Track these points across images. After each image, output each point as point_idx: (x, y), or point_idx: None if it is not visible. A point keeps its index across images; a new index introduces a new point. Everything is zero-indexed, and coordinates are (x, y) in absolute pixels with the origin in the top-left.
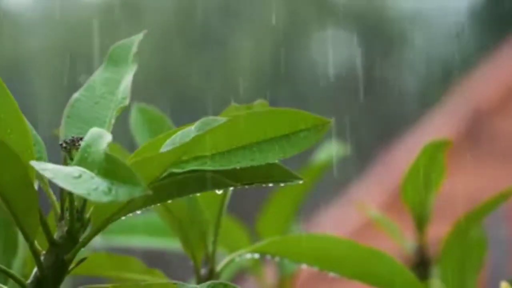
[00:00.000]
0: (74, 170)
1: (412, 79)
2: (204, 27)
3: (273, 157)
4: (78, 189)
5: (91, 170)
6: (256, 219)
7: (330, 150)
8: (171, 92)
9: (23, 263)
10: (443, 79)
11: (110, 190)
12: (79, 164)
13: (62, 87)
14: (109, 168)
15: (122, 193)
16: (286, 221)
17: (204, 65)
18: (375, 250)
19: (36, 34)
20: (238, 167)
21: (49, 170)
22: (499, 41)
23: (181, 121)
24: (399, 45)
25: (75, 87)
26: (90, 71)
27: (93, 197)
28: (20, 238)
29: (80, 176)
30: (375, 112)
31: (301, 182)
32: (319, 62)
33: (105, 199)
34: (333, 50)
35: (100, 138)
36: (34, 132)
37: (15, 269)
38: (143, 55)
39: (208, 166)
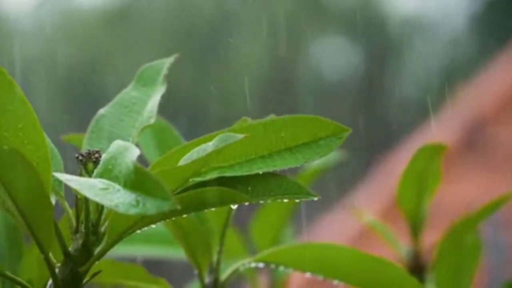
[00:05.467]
0: (99, 182)
1: (411, 86)
2: (202, 33)
3: (295, 163)
4: (105, 200)
5: (117, 182)
6: (250, 225)
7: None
8: (171, 100)
9: (28, 268)
10: (442, 87)
11: (138, 202)
12: (102, 176)
13: (61, 95)
14: (136, 181)
15: (151, 206)
16: (279, 226)
17: (203, 72)
18: (379, 258)
19: (35, 42)
20: (256, 176)
21: (74, 181)
22: (498, 50)
23: (182, 131)
24: (398, 52)
25: (74, 95)
26: (89, 79)
27: (121, 209)
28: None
29: (107, 188)
30: (373, 119)
31: (315, 199)
32: (318, 69)
33: (133, 211)
34: (332, 57)
35: (126, 151)
36: (52, 145)
37: (20, 275)
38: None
39: (229, 174)
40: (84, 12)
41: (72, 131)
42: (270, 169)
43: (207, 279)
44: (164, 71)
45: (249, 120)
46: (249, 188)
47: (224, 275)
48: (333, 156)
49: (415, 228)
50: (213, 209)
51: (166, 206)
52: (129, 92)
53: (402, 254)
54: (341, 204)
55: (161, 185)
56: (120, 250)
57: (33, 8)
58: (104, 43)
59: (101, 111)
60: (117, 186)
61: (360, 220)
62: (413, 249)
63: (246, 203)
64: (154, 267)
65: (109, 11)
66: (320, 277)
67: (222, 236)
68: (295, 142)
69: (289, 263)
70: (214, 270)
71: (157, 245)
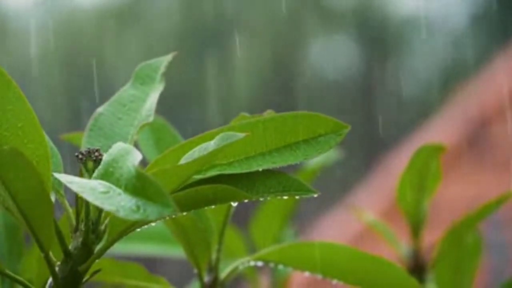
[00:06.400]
0: (99, 184)
1: (411, 86)
2: (203, 32)
3: (295, 160)
4: (106, 204)
5: (118, 185)
6: (250, 223)
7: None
8: (170, 97)
9: (28, 267)
10: (443, 86)
11: (138, 208)
12: (103, 178)
13: (60, 94)
14: (138, 186)
15: (151, 212)
16: (279, 225)
17: (204, 71)
18: (379, 257)
19: (34, 40)
20: (259, 170)
21: (75, 183)
22: (498, 50)
23: (182, 128)
24: (399, 52)
25: (73, 94)
26: (88, 79)
27: (121, 214)
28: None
29: (107, 192)
30: (374, 119)
31: (315, 195)
32: (319, 67)
33: (134, 216)
34: (332, 56)
35: (127, 154)
36: (51, 144)
37: (20, 273)
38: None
39: (228, 171)
40: (85, 12)
41: (72, 130)
42: (270, 166)
43: (207, 278)
44: (162, 69)
45: (247, 116)
46: (249, 186)
47: (223, 274)
48: (333, 154)
49: (415, 227)
50: (212, 207)
51: (166, 212)
52: (127, 90)
53: (402, 254)
54: (341, 203)
55: (162, 191)
56: (120, 248)
57: (33, 6)
58: (104, 42)
59: (100, 109)
60: (117, 190)
61: (360, 219)
62: (413, 249)
63: (246, 201)
64: (154, 266)
65: (110, 10)
66: (320, 276)
67: (221, 234)
68: (294, 139)
69: (288, 262)
70: (213, 269)
71: (157, 244)
